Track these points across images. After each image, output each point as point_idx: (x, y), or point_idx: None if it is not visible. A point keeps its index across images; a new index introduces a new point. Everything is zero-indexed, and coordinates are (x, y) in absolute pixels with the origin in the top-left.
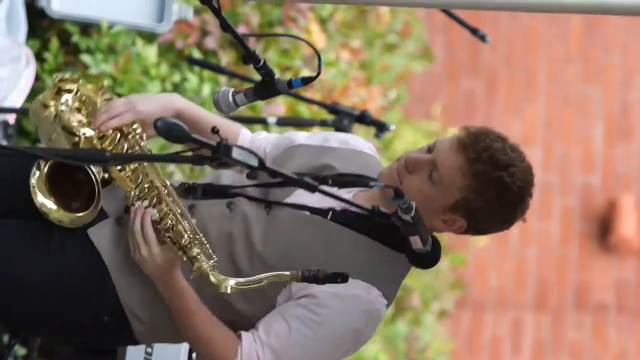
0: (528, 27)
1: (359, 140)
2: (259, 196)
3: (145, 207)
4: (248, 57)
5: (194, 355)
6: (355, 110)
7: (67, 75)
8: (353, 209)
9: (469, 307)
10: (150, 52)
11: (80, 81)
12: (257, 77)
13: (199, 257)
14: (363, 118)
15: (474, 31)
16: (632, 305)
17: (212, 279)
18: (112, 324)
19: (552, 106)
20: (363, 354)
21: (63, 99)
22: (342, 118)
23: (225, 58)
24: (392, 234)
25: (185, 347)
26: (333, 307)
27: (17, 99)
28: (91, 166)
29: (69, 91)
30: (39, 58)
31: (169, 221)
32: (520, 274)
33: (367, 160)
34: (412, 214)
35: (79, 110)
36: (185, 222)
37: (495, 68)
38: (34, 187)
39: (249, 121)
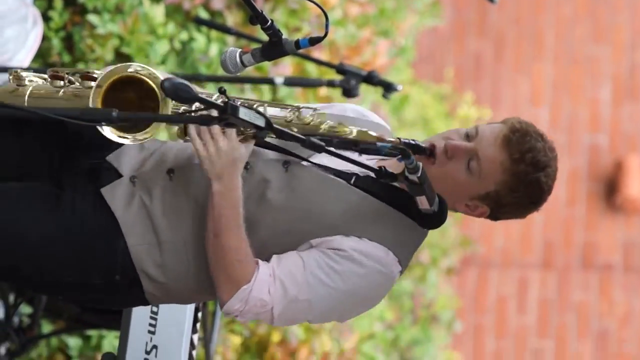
0: None
1: (372, 114)
2: (275, 157)
3: None
4: (255, 17)
5: (198, 325)
6: (363, 70)
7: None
8: (372, 174)
9: (475, 266)
10: (158, 12)
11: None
12: (265, 37)
13: (317, 120)
14: (370, 78)
15: None
16: (638, 265)
17: (343, 127)
18: (122, 282)
19: (560, 66)
20: (370, 314)
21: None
22: (350, 78)
23: (232, 18)
24: (411, 204)
25: (189, 314)
26: (352, 261)
27: (24, 59)
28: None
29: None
30: (45, 17)
31: None
32: (527, 234)
33: (383, 132)
34: (419, 174)
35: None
36: (276, 105)
37: (503, 28)
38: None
39: (257, 81)
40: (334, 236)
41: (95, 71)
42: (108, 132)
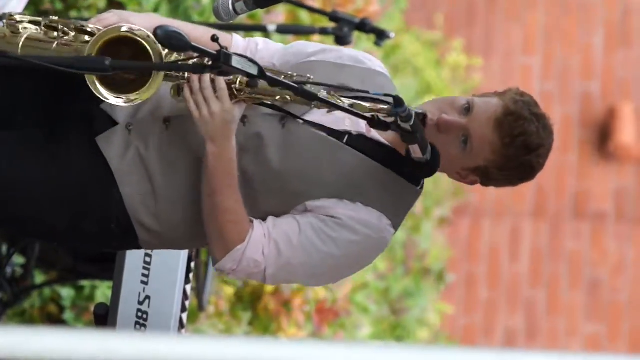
0: None
1: (371, 59)
2: (272, 112)
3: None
4: None
5: (190, 275)
6: (355, 18)
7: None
8: (372, 134)
9: (467, 215)
10: None
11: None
12: None
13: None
14: (363, 26)
15: None
16: (631, 214)
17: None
18: (117, 230)
19: (552, 14)
20: None
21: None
22: (342, 26)
23: None
24: (405, 164)
25: (184, 254)
26: (346, 226)
27: (17, 6)
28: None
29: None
30: None
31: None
32: None
33: (382, 81)
34: (412, 122)
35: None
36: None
37: None
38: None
39: (249, 29)
40: (328, 199)
41: (89, 25)
42: (103, 91)
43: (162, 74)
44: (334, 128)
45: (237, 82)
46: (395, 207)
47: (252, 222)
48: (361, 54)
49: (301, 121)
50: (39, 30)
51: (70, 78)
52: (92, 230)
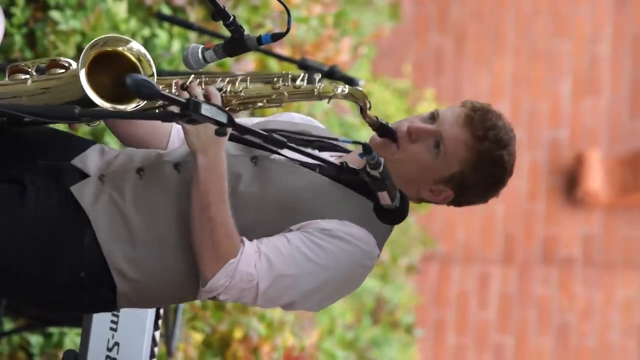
0: None
1: (320, 125)
2: (241, 152)
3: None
4: (217, 13)
5: (159, 321)
6: (325, 65)
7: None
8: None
9: (436, 261)
10: (120, 8)
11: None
12: (227, 33)
13: (302, 82)
14: (332, 74)
15: None
16: (599, 259)
17: (333, 86)
18: (88, 280)
19: (521, 61)
20: (331, 310)
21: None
22: (312, 73)
23: (194, 14)
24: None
25: (151, 311)
26: (339, 239)
27: None
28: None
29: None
30: (7, 13)
31: (237, 84)
32: (488, 228)
33: (332, 134)
34: (381, 169)
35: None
36: (259, 76)
37: (464, 23)
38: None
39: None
40: (314, 220)
41: (62, 58)
42: (105, 104)
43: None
44: (305, 161)
45: (228, 91)
46: (377, 229)
47: (242, 239)
48: (307, 117)
49: (274, 156)
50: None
51: (35, 129)
52: (60, 281)
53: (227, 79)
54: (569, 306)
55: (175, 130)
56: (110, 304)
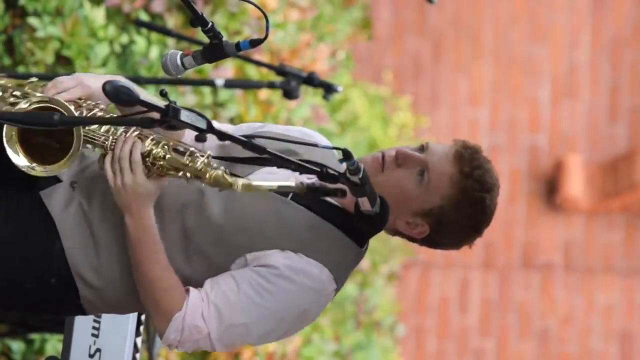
0: None
1: (317, 135)
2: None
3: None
4: (196, 19)
5: (141, 327)
6: (303, 72)
7: None
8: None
9: (417, 268)
10: (98, 15)
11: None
12: (205, 40)
13: (205, 168)
14: (311, 80)
15: None
16: (579, 264)
17: (228, 178)
18: (58, 286)
19: (499, 66)
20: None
21: None
22: (290, 80)
23: (172, 21)
24: (351, 225)
25: (133, 318)
26: (285, 279)
27: None
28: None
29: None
30: None
31: (160, 150)
32: None
33: (326, 152)
34: (361, 174)
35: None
36: (179, 146)
37: (441, 29)
38: (8, 149)
39: (197, 83)
40: (269, 250)
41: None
42: (20, 159)
43: (78, 151)
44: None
45: (151, 157)
46: (338, 262)
47: (187, 289)
48: (309, 130)
49: (247, 176)
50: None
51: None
52: (30, 286)
53: (165, 142)
54: (550, 311)
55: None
56: (79, 309)
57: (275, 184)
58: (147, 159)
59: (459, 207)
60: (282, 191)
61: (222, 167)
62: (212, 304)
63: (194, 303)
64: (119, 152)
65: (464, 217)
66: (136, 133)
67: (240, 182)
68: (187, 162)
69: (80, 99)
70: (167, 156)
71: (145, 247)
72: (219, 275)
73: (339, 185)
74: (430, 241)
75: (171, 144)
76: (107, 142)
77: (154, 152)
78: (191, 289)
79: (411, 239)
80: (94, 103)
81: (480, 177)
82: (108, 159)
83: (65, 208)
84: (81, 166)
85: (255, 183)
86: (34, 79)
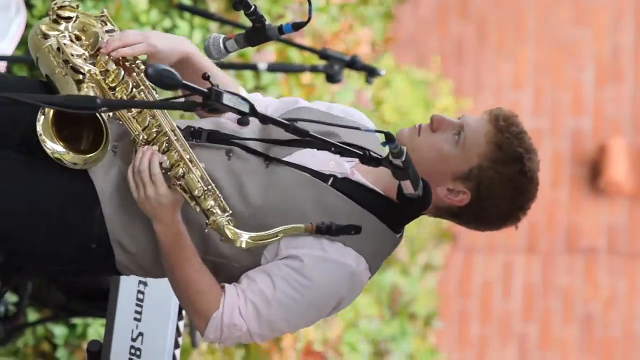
0: None
1: (362, 116)
2: (259, 150)
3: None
4: (239, 2)
5: (183, 312)
6: (346, 55)
7: (65, 2)
8: (355, 177)
9: (460, 252)
10: (141, 0)
11: (79, 8)
12: (248, 23)
13: (213, 210)
14: (353, 63)
15: None
16: (623, 249)
17: (228, 233)
18: (98, 251)
19: (542, 49)
20: (355, 303)
21: (62, 27)
22: (333, 63)
23: (215, 5)
24: (389, 211)
25: (175, 302)
26: (321, 272)
27: (7, 47)
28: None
29: (68, 19)
30: (28, 5)
31: (180, 169)
32: None
33: (368, 134)
34: (403, 158)
35: (78, 39)
36: (197, 170)
37: (484, 12)
38: (41, 134)
39: (240, 67)
40: (306, 237)
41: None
42: (53, 144)
43: (106, 151)
44: (318, 170)
45: (173, 171)
46: (374, 251)
47: (222, 286)
48: (352, 109)
49: (286, 157)
50: (64, 38)
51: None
52: (71, 251)
53: (185, 162)
54: (593, 296)
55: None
56: (115, 271)
57: (280, 229)
58: (168, 173)
59: (497, 164)
60: (288, 234)
61: (228, 218)
62: (250, 302)
63: (230, 302)
64: (138, 164)
65: (504, 178)
66: (164, 139)
67: (245, 237)
68: (199, 195)
69: (136, 58)
70: (186, 176)
71: (177, 252)
72: (253, 271)
73: (352, 225)
74: (474, 213)
75: (197, 172)
76: (139, 131)
77: (174, 170)
78: (227, 286)
79: (455, 215)
80: (143, 72)
81: (517, 133)
82: (130, 172)
83: (106, 174)
84: (122, 129)
85: (259, 234)
86: (104, 12)
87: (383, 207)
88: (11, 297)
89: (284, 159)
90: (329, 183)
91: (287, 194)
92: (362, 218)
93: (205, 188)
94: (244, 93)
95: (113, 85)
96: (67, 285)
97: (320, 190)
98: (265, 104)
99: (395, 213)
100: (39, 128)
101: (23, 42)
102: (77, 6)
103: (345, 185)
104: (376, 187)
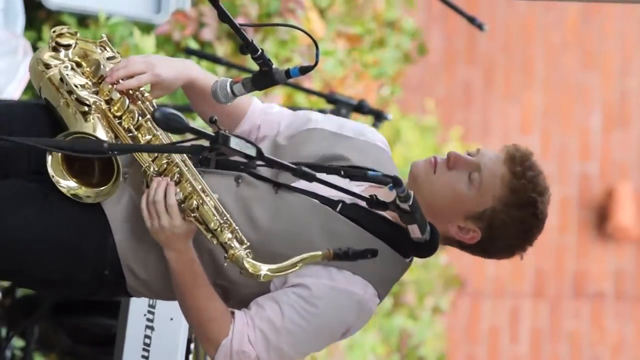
0: (525, 14)
1: (374, 132)
2: (268, 176)
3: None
4: (246, 46)
5: (191, 345)
6: (353, 99)
7: (64, 29)
8: (360, 202)
9: (467, 297)
10: (148, 43)
11: (78, 35)
12: (255, 67)
13: (231, 243)
14: (361, 107)
15: (471, 20)
16: (630, 293)
17: (248, 266)
18: (111, 277)
19: (550, 94)
20: (361, 343)
21: (62, 55)
22: (340, 107)
23: (222, 49)
24: (397, 237)
25: (183, 335)
26: (329, 300)
27: (14, 91)
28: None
29: (68, 46)
30: (35, 49)
31: (194, 201)
32: (518, 263)
33: (380, 154)
34: (410, 202)
35: (79, 65)
36: (210, 200)
37: (492, 56)
38: (53, 176)
39: None
40: (314, 266)
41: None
42: (63, 182)
43: (119, 184)
44: (326, 196)
45: (187, 203)
46: (383, 277)
47: (232, 312)
48: (365, 126)
49: (294, 183)
50: (67, 68)
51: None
52: (84, 278)
53: (198, 193)
54: (601, 341)
55: (250, 111)
56: (126, 294)
57: (298, 259)
58: (182, 205)
59: (510, 208)
60: (306, 263)
61: (247, 251)
62: (258, 329)
63: (240, 329)
64: (154, 195)
65: (515, 221)
66: (175, 170)
67: (265, 269)
68: (216, 228)
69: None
70: (200, 209)
71: (188, 279)
72: (262, 298)
73: (369, 249)
74: (482, 248)
75: (211, 203)
76: (149, 163)
77: (188, 201)
78: (236, 313)
79: (463, 247)
80: (148, 100)
81: (532, 178)
82: (144, 202)
83: (117, 201)
84: (131, 156)
85: (278, 266)
86: (104, 37)
87: (392, 233)
88: (18, 342)
89: (293, 184)
90: (338, 209)
91: (295, 220)
92: (371, 244)
93: (222, 221)
94: (256, 102)
95: (118, 114)
96: (73, 330)
97: (328, 217)
98: (279, 117)
99: (404, 238)
100: (50, 170)
101: (30, 86)
102: (76, 32)
103: (354, 211)
104: (385, 215)
